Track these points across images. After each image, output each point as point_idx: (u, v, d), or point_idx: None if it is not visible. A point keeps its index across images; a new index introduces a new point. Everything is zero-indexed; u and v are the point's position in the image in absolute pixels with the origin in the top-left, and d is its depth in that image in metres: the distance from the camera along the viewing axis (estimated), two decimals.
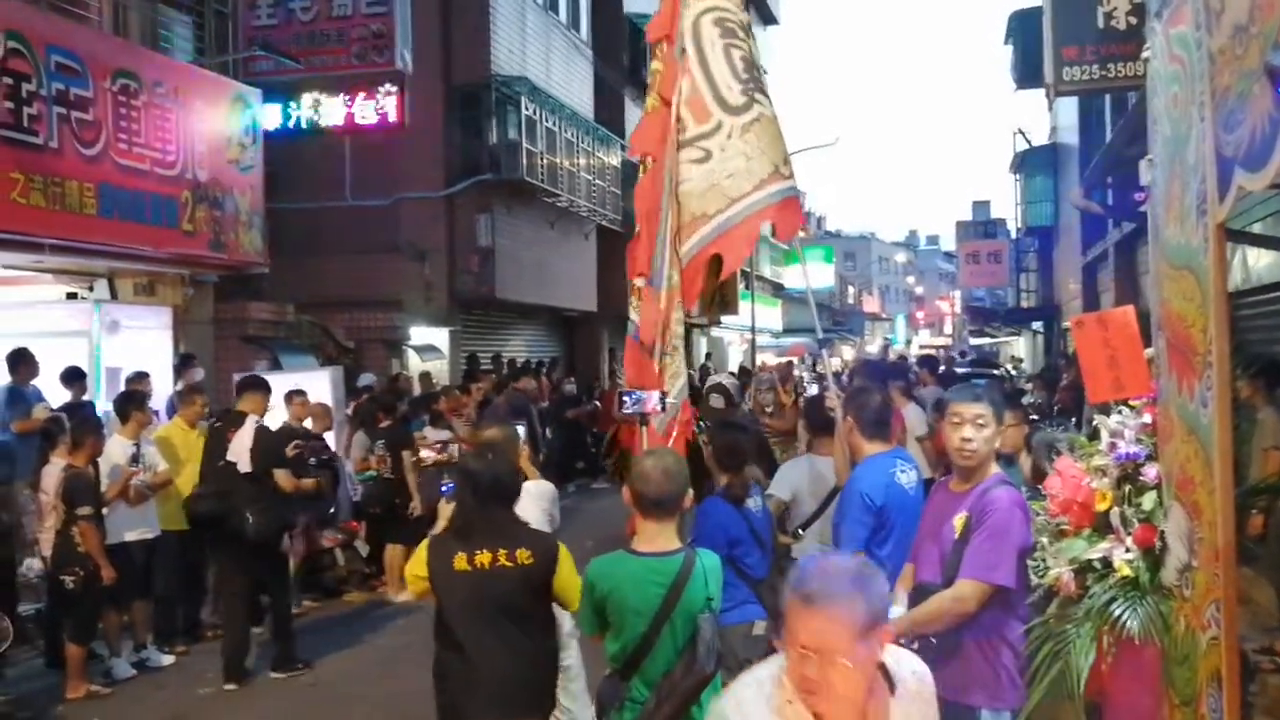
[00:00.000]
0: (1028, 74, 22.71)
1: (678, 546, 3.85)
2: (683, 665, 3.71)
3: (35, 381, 10.04)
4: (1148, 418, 3.65)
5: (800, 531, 5.73)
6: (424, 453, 11.15)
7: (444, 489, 4.94)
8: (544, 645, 4.30)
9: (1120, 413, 3.77)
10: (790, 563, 5.38)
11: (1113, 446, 3.73)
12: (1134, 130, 10.44)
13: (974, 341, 48.93)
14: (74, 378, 10.18)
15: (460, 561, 4.07)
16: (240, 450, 8.09)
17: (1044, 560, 3.91)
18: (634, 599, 3.76)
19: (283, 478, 8.38)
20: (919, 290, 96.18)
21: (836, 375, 6.96)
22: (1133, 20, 10.93)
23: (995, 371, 25.38)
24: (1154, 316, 3.44)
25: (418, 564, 4.21)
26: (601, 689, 3.97)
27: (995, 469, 4.11)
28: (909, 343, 68.97)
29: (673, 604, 3.72)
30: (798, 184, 5.28)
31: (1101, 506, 3.73)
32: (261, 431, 8.24)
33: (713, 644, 3.75)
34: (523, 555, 4.13)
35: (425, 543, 4.24)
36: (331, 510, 11.26)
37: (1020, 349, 41.98)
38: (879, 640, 2.42)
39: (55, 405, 9.87)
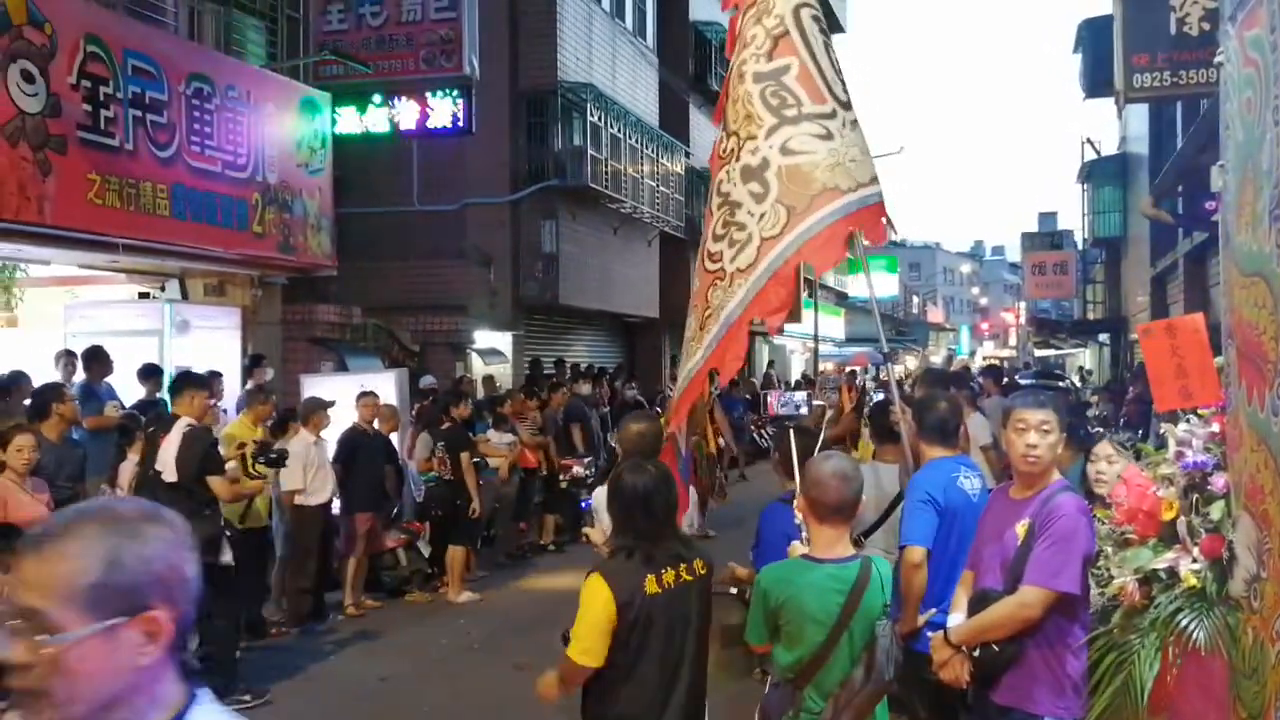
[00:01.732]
0: (1097, 83, 22.44)
1: (854, 553, 3.76)
2: (862, 673, 3.62)
3: (109, 379, 10.27)
4: (1216, 426, 3.60)
5: (862, 539, 5.67)
6: (575, 469, 11.26)
7: (583, 504, 4.82)
8: (706, 666, 4.11)
9: (1188, 421, 3.72)
10: None
11: (1180, 455, 3.68)
12: (1206, 137, 10.27)
13: (1038, 353, 48.31)
14: (150, 374, 10.40)
15: (651, 584, 3.80)
16: (165, 459, 7.49)
17: (1108, 569, 3.86)
18: (813, 607, 3.65)
19: (218, 485, 7.61)
20: (983, 301, 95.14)
21: (899, 383, 6.85)
22: (1206, 26, 10.73)
23: (1060, 383, 25.03)
24: (1224, 324, 3.39)
25: (598, 606, 3.73)
26: (769, 700, 3.89)
27: (1058, 475, 4.06)
28: (973, 354, 68.26)
29: (851, 612, 3.63)
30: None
31: (1168, 516, 3.69)
32: (188, 437, 7.53)
33: (891, 651, 3.65)
34: (699, 566, 3.95)
35: (593, 583, 3.79)
36: (395, 511, 11.40)
37: (1086, 361, 41.36)
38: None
39: (127, 402, 10.09)
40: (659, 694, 3.87)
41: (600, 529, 4.75)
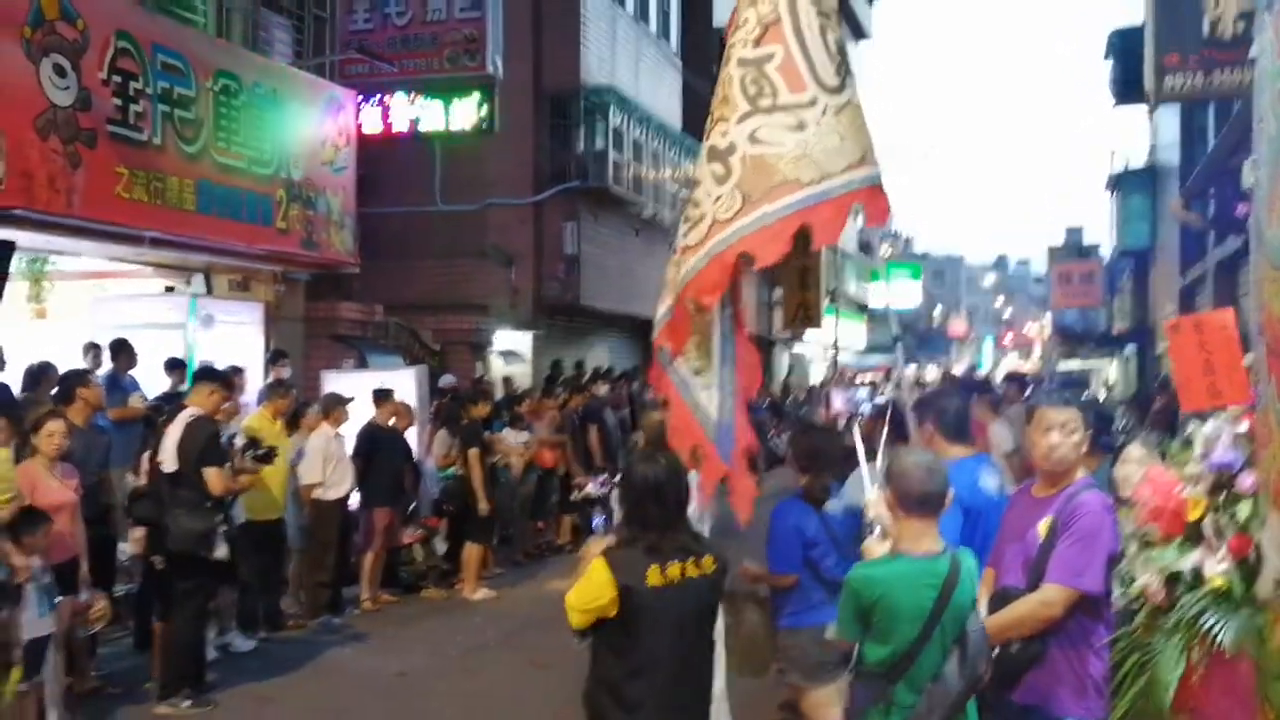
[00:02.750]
0: (1128, 90, 22.33)
1: (943, 547, 3.70)
2: (955, 668, 3.58)
3: (133, 371, 10.34)
4: (1244, 425, 3.57)
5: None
6: (589, 488, 11.28)
7: (595, 522, 4.75)
8: (713, 663, 4.14)
9: (1216, 419, 3.69)
10: None
11: (1207, 454, 3.65)
12: (1238, 138, 10.16)
13: (1064, 365, 48.10)
14: (175, 366, 10.50)
15: (654, 576, 3.80)
16: (168, 447, 7.47)
17: (1131, 569, 3.84)
18: (906, 604, 3.59)
19: (213, 477, 7.48)
20: (1007, 313, 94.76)
21: (915, 385, 6.83)
22: (1240, 26, 10.61)
23: (1084, 396, 24.88)
24: (1254, 321, 3.36)
25: (594, 588, 3.80)
26: (855, 692, 3.85)
27: (1082, 474, 4.03)
28: (996, 365, 68.03)
29: (944, 606, 3.58)
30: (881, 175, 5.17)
31: (1194, 515, 3.66)
32: (190, 426, 7.49)
33: (983, 646, 3.63)
34: (707, 563, 3.94)
35: (596, 565, 3.84)
36: (413, 507, 11.44)
37: (1112, 373, 41.10)
38: None
39: (152, 395, 10.15)
40: (663, 686, 3.86)
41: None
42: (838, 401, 18.67)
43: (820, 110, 4.87)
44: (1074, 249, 43.84)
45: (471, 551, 10.96)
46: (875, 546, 3.90)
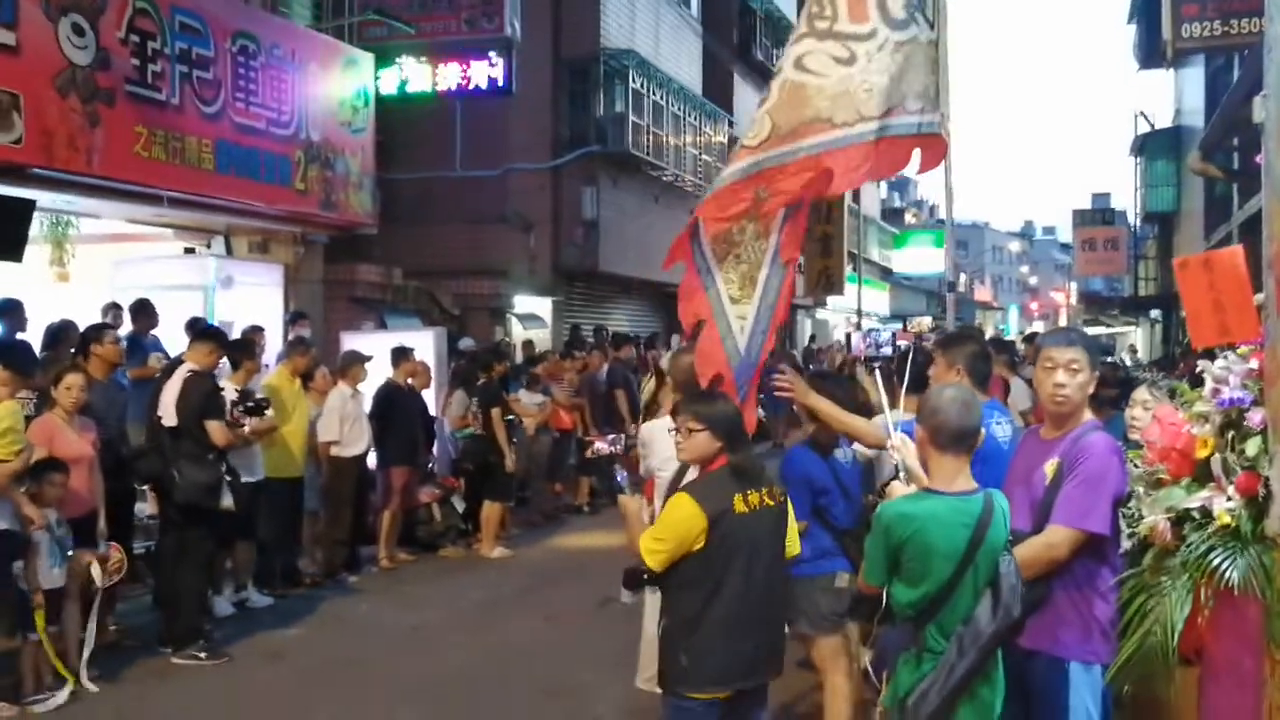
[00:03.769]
0: (1152, 53, 22.09)
1: (976, 486, 3.64)
2: (988, 610, 3.51)
3: (154, 331, 10.41)
4: (1254, 363, 3.53)
5: (884, 490, 5.62)
6: (598, 444, 11.30)
7: (618, 479, 4.79)
8: (784, 591, 4.22)
9: (1225, 357, 3.65)
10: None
11: (1216, 392, 3.61)
12: (1255, 79, 9.95)
13: (1089, 332, 47.69)
14: (194, 327, 10.52)
15: (739, 503, 3.94)
16: (167, 403, 7.51)
17: (1139, 510, 3.81)
18: (940, 542, 3.50)
19: (215, 430, 7.56)
20: (1033, 281, 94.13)
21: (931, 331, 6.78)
22: None
23: (1108, 359, 24.74)
24: (1265, 255, 3.32)
25: (682, 521, 3.90)
26: (885, 638, 3.84)
27: (1089, 415, 4.00)
28: (1022, 333, 67.64)
29: (977, 546, 3.51)
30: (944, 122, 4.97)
31: (1202, 453, 3.61)
32: (189, 382, 7.55)
33: (1017, 586, 3.55)
34: (776, 494, 4.07)
35: (680, 500, 3.95)
36: (431, 467, 11.49)
37: (1138, 339, 40.78)
38: None
39: (172, 355, 10.21)
40: (744, 615, 3.95)
41: (639, 498, 4.70)
42: (857, 342, 18.62)
43: (877, 45, 4.67)
44: (1100, 212, 43.36)
45: (491, 510, 11.02)
46: (899, 489, 3.86)
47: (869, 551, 3.71)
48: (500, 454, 10.96)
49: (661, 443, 5.11)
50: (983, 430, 3.72)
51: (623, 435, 11.07)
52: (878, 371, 4.98)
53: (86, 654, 6.69)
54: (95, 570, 6.77)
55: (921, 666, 3.56)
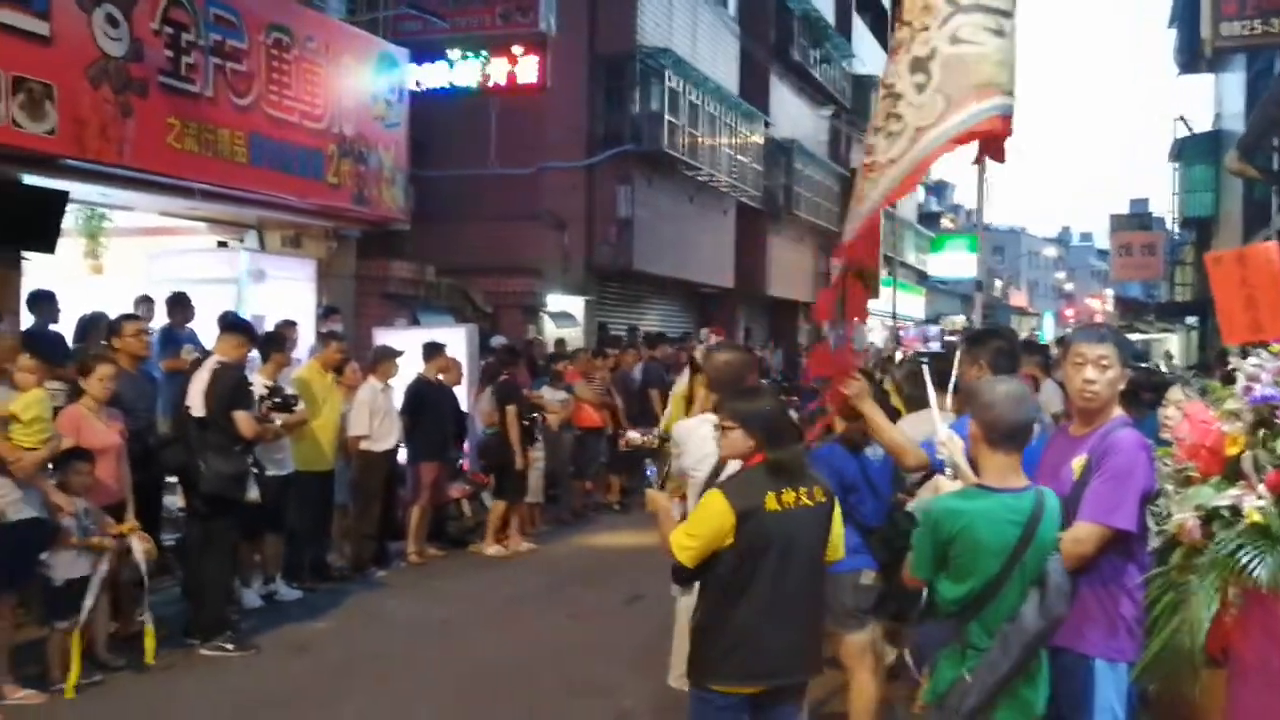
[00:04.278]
0: (1192, 57, 21.82)
1: (1027, 482, 3.61)
2: (1034, 608, 3.47)
3: (189, 325, 10.48)
4: None
5: (915, 489, 5.54)
6: (631, 434, 11.26)
7: (648, 473, 4.77)
8: (822, 594, 4.15)
9: (1258, 355, 3.57)
10: (904, 517, 5.24)
11: (1248, 389, 3.53)
12: None
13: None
14: (224, 320, 10.57)
15: (771, 501, 3.89)
16: (195, 394, 7.52)
17: (1167, 508, 3.73)
18: (989, 538, 3.47)
19: (243, 421, 7.53)
20: (1069, 287, 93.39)
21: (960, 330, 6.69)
22: None
23: (1143, 364, 24.50)
24: None
25: (712, 517, 3.87)
26: (926, 634, 3.80)
27: (1118, 412, 3.91)
28: (1059, 340, 67.12)
29: (1027, 543, 3.47)
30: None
31: (1232, 451, 3.54)
32: (217, 373, 7.56)
33: (1063, 585, 3.51)
34: (818, 494, 4.01)
35: (711, 496, 3.94)
36: (461, 463, 11.49)
37: (1174, 346, 40.32)
38: None
39: (206, 347, 10.26)
40: (775, 614, 3.91)
41: (667, 493, 4.65)
42: (906, 337, 18.58)
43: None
44: (1137, 216, 42.91)
45: (497, 507, 10.99)
46: (947, 485, 3.82)
47: (916, 545, 3.67)
48: (511, 452, 10.91)
49: (694, 442, 5.04)
50: (1036, 427, 3.64)
51: (655, 428, 11.02)
52: (925, 367, 4.87)
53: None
54: (136, 546, 6.82)
55: (964, 663, 3.52)
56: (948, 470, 3.91)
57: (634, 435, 10.79)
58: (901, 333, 21.69)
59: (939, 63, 4.75)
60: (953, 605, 3.56)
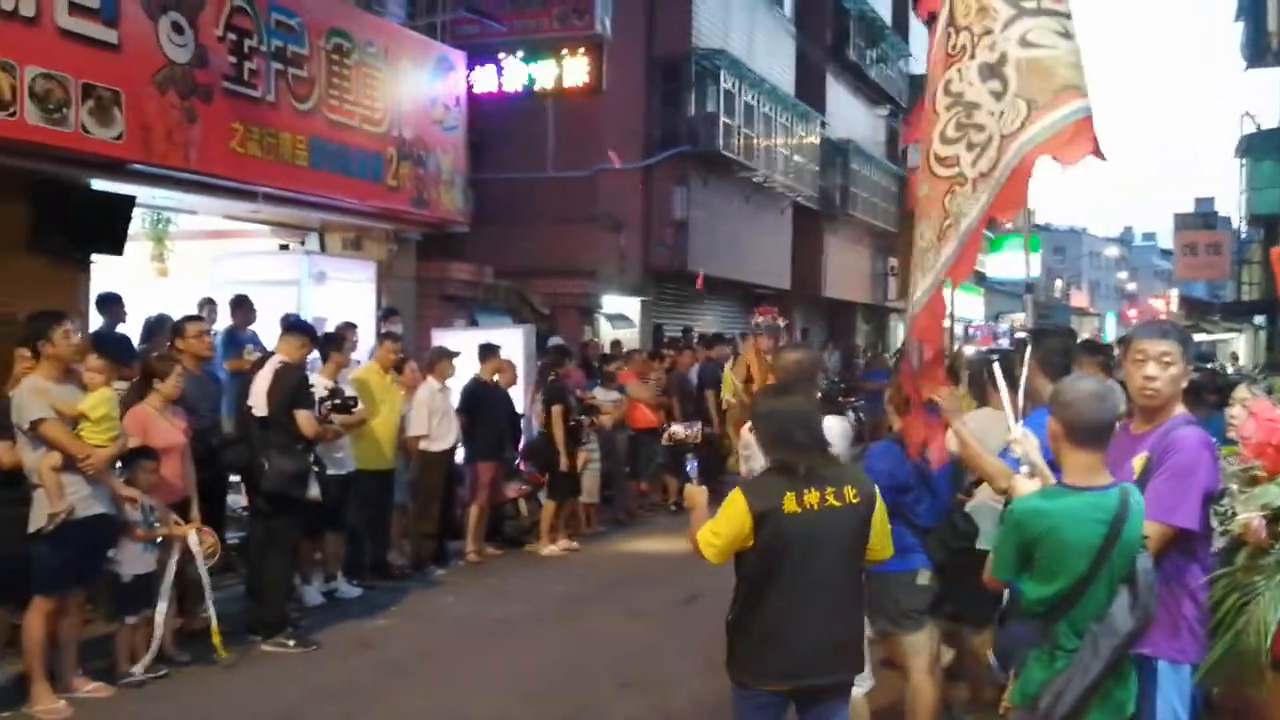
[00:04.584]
0: (1260, 51, 21.45)
1: (1111, 480, 3.54)
2: (1124, 607, 3.41)
3: (252, 326, 10.64)
4: None
5: (973, 489, 5.49)
6: (674, 427, 11.27)
7: (689, 467, 4.76)
8: (859, 593, 4.10)
9: None
10: (961, 517, 5.20)
11: None
12: None
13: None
14: (285, 322, 10.73)
15: (790, 502, 3.87)
16: (257, 394, 7.66)
17: (1232, 507, 3.68)
18: (1075, 538, 3.40)
19: (304, 420, 7.64)
20: (1131, 287, 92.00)
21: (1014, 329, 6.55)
22: None
23: (1208, 365, 24.09)
24: None
25: (731, 518, 3.91)
26: (1011, 634, 3.76)
27: (1180, 410, 3.86)
28: (1120, 340, 66.02)
29: (1113, 541, 3.40)
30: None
31: None
32: (280, 373, 7.68)
33: (1153, 583, 3.46)
34: (850, 494, 3.95)
35: (733, 496, 3.96)
36: (517, 463, 11.56)
37: (1241, 346, 39.57)
38: None
39: (268, 348, 10.42)
40: (802, 614, 3.91)
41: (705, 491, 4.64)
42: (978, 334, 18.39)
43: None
44: (1202, 215, 42.11)
45: (549, 507, 11.05)
46: (1024, 485, 3.76)
47: (998, 546, 3.61)
48: (557, 452, 10.96)
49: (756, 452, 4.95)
50: (1117, 425, 3.60)
51: (699, 423, 11.02)
52: (997, 365, 4.76)
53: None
54: (193, 539, 6.94)
55: (1054, 664, 3.47)
56: (1023, 469, 3.86)
57: (678, 429, 10.76)
58: (973, 331, 21.48)
59: (1012, 67, 4.66)
60: (1039, 606, 3.51)
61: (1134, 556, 3.45)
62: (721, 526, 3.94)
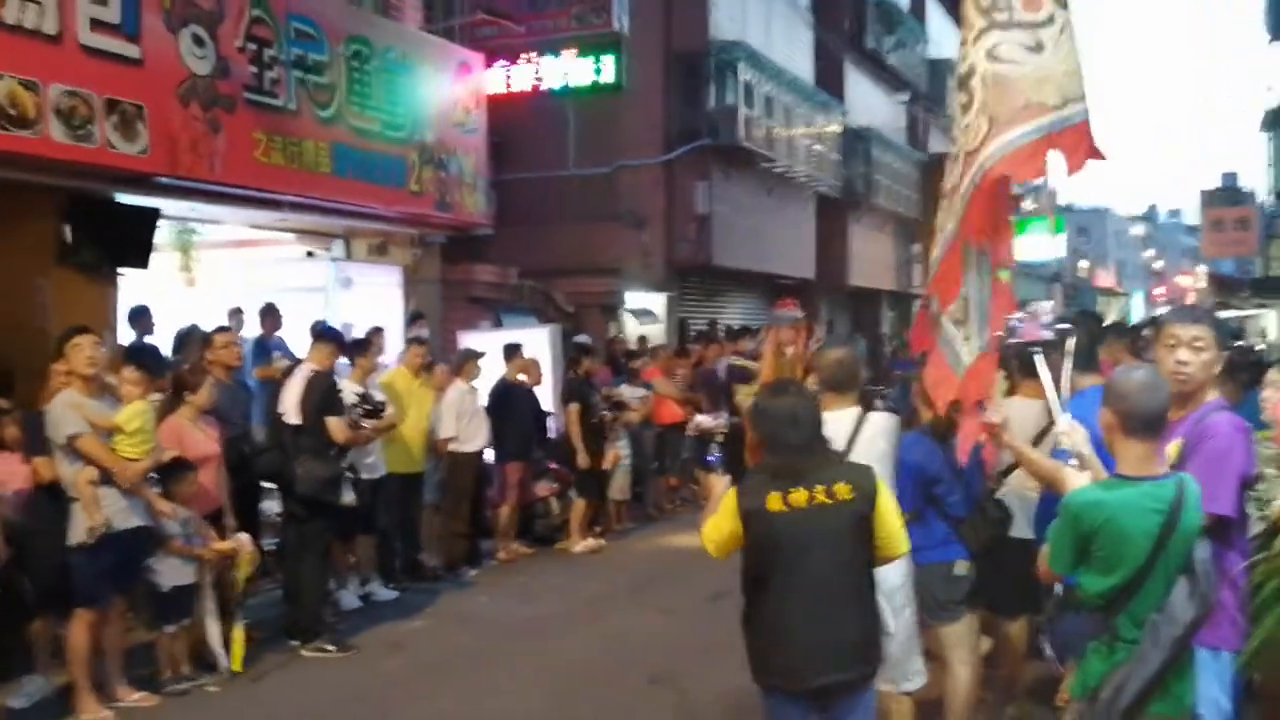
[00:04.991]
0: None
1: (1166, 469, 3.54)
2: (1184, 597, 3.39)
3: (280, 333, 10.72)
4: None
5: (1003, 478, 5.47)
6: (700, 418, 11.25)
7: (709, 459, 4.74)
8: (864, 590, 4.02)
9: None
10: (993, 505, 5.19)
11: None
12: None
13: (1219, 315, 45.83)
14: (314, 329, 10.80)
15: (775, 501, 3.84)
16: (289, 402, 7.75)
17: (1269, 491, 3.67)
18: (1133, 529, 3.39)
19: (335, 426, 7.74)
20: (1158, 265, 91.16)
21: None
22: None
23: (1239, 342, 23.87)
24: None
25: (722, 517, 3.94)
26: (1068, 626, 3.75)
27: (1214, 395, 3.84)
28: (1150, 319, 65.38)
29: (1170, 532, 3.40)
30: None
31: None
32: (310, 381, 7.76)
33: (1211, 572, 3.45)
34: (841, 491, 3.87)
35: (727, 495, 3.98)
36: (548, 462, 11.60)
37: (1271, 323, 39.18)
38: None
39: (296, 355, 10.49)
40: (796, 612, 3.88)
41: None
42: (1021, 324, 18.21)
43: (1058, 29, 4.53)
44: (1228, 191, 41.71)
45: (578, 505, 11.08)
46: (1076, 477, 3.75)
47: (1054, 539, 3.59)
48: (574, 450, 10.97)
49: (876, 442, 4.78)
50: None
51: (725, 414, 10.99)
52: (1040, 355, 4.71)
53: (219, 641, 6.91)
54: (234, 542, 7.07)
55: (1113, 656, 3.46)
56: (1073, 461, 3.83)
57: (703, 419, 10.80)
58: (1018, 321, 21.22)
59: (979, 80, 4.61)
60: (1098, 599, 3.50)
61: (1192, 546, 3.43)
62: (716, 522, 3.98)
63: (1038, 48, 4.50)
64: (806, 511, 3.85)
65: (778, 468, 3.92)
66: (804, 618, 3.88)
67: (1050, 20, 4.53)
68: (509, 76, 15.63)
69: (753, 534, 3.88)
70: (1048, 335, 5.04)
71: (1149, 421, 3.45)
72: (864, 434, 4.72)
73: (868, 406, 4.95)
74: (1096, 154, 4.39)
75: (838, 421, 4.65)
